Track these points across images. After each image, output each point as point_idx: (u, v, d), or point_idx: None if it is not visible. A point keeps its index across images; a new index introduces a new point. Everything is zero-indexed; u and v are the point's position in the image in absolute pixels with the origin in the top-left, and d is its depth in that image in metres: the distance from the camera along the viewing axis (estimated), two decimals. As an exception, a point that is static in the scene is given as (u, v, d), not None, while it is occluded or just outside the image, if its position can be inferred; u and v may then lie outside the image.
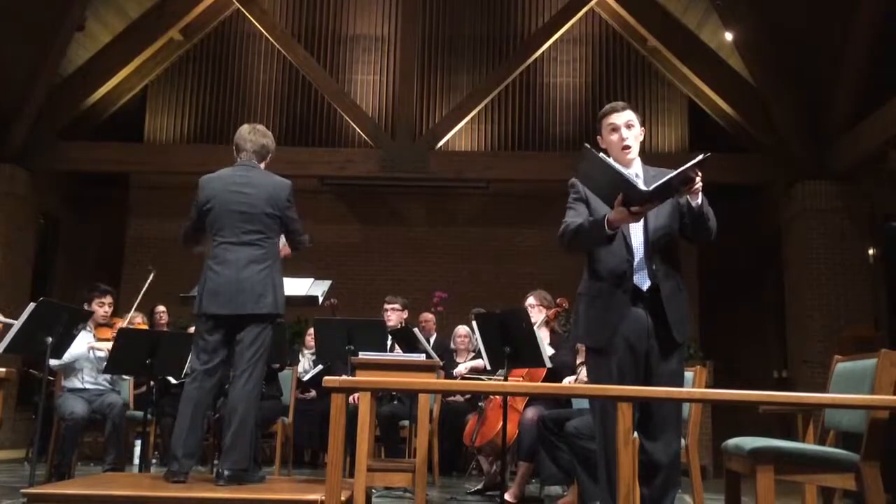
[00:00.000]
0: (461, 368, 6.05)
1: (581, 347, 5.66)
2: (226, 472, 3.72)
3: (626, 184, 2.85)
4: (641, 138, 3.22)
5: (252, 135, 4.13)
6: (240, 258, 3.90)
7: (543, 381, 5.14)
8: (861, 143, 8.04)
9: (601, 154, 2.93)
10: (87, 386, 5.60)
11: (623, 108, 3.20)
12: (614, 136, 3.16)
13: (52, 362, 5.24)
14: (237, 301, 3.85)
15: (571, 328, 3.29)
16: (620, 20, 10.16)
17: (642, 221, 3.07)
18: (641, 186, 2.86)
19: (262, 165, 4.16)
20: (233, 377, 3.91)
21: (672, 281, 3.08)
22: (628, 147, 3.15)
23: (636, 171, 3.14)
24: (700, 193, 2.96)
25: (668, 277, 3.07)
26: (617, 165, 2.91)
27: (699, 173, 2.88)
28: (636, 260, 3.06)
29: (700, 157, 2.84)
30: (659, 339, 3.03)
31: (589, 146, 2.93)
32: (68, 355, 5.39)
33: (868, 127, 7.87)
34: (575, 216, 3.16)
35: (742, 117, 9.34)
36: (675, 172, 2.84)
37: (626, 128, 3.15)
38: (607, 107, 3.25)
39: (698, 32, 9.56)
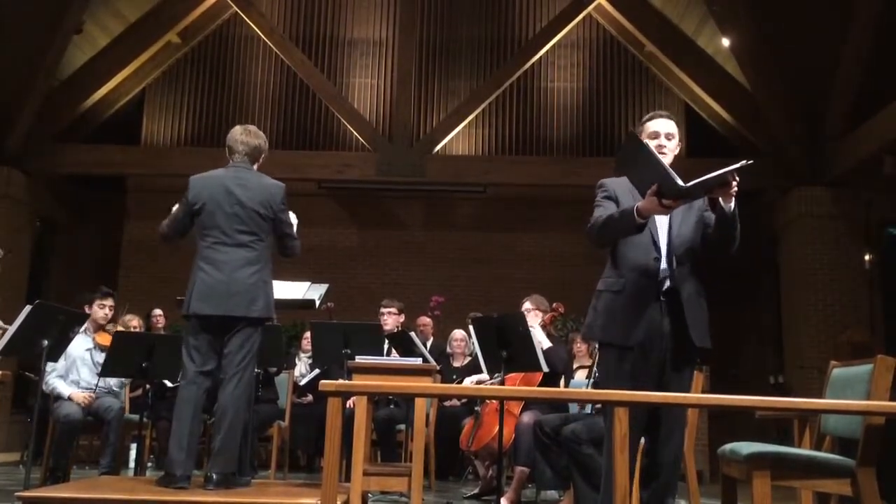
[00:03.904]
0: (468, 383, 5.98)
1: (578, 351, 5.69)
2: (215, 476, 3.73)
3: (665, 175, 2.86)
4: (676, 152, 3.24)
5: (245, 136, 4.08)
6: (232, 259, 3.86)
7: (540, 385, 5.15)
8: (857, 148, 8.07)
9: (646, 142, 2.94)
10: (84, 389, 5.58)
11: (668, 118, 3.24)
12: (653, 142, 3.17)
13: (44, 387, 5.22)
14: (229, 303, 3.81)
15: (585, 325, 3.27)
16: (618, 25, 10.18)
17: (667, 225, 3.10)
18: (679, 182, 2.86)
19: (255, 167, 4.12)
20: (222, 381, 3.88)
21: (692, 286, 3.10)
22: (664, 154, 3.16)
23: None
24: (733, 199, 2.96)
25: (688, 282, 3.09)
26: (659, 156, 2.92)
27: (737, 178, 2.89)
28: (662, 262, 3.07)
29: (741, 162, 2.85)
30: (675, 344, 3.04)
31: (635, 132, 2.97)
32: (54, 384, 5.42)
33: (864, 132, 7.89)
34: (603, 213, 3.14)
35: (738, 122, 9.37)
36: (714, 174, 2.85)
37: (665, 137, 3.18)
38: (652, 113, 3.29)
39: (695, 38, 9.59)
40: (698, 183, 2.86)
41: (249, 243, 3.91)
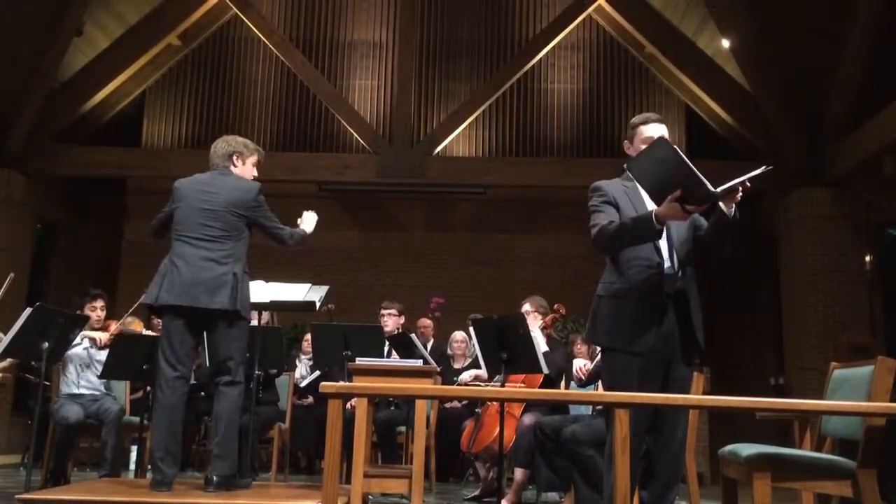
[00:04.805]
0: (465, 376, 6.02)
1: (578, 352, 5.69)
2: (215, 479, 3.75)
3: (696, 181, 2.81)
4: None
5: (217, 146, 4.25)
6: (199, 254, 3.93)
7: (541, 387, 5.15)
8: (857, 149, 8.06)
9: (677, 147, 2.90)
10: (84, 391, 5.58)
11: (660, 122, 3.21)
12: None
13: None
14: (192, 294, 3.85)
15: (588, 330, 3.24)
16: (618, 27, 10.19)
17: (665, 230, 3.07)
18: (710, 187, 2.82)
19: (240, 163, 4.21)
20: (215, 384, 3.92)
21: (694, 288, 3.12)
22: None
23: None
24: (735, 203, 2.95)
25: (692, 284, 3.11)
26: (689, 162, 2.88)
27: (748, 184, 2.88)
28: (665, 265, 3.06)
29: (763, 168, 2.85)
30: (682, 345, 3.05)
31: (666, 138, 2.93)
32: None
33: (864, 133, 7.89)
34: (606, 217, 3.09)
35: (738, 124, 9.37)
36: (743, 178, 2.84)
37: None
38: (642, 116, 3.24)
39: (695, 39, 9.60)
40: (728, 187, 2.85)
41: (217, 238, 3.97)
